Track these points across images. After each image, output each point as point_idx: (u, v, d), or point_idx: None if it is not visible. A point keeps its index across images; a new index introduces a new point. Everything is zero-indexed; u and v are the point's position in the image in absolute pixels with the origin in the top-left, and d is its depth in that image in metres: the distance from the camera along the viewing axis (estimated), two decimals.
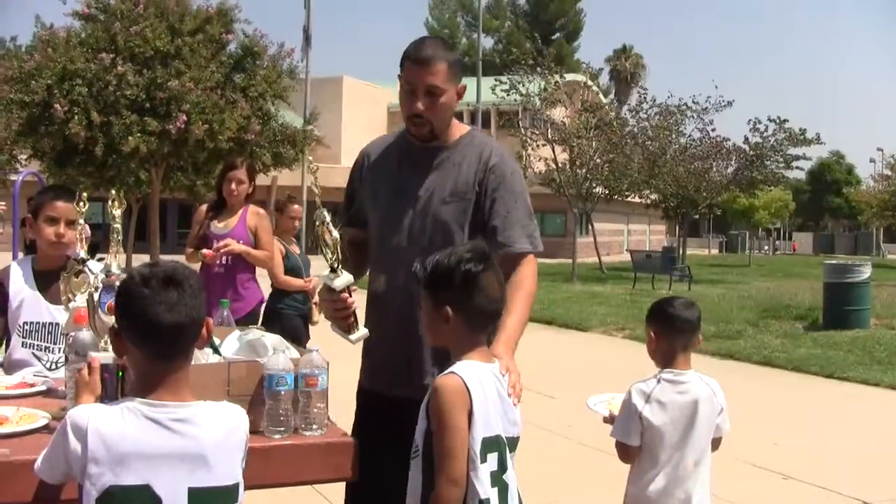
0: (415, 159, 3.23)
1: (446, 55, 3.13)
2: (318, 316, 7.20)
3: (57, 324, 3.66)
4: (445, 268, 2.64)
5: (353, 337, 3.03)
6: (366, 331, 3.03)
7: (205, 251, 6.34)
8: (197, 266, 6.20)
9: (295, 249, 7.34)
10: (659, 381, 3.46)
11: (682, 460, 3.37)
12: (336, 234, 2.91)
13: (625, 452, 3.42)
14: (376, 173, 3.32)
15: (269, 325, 7.21)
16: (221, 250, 6.29)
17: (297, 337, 7.22)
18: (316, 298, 7.17)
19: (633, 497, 3.42)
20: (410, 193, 3.18)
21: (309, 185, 3.44)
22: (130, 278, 2.26)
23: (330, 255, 2.94)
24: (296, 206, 7.43)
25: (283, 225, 7.39)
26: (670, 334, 3.52)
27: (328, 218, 2.92)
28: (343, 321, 3.01)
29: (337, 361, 3.17)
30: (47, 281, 3.72)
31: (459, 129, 3.28)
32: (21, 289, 3.76)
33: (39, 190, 4.35)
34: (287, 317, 7.25)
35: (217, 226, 6.41)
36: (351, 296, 2.99)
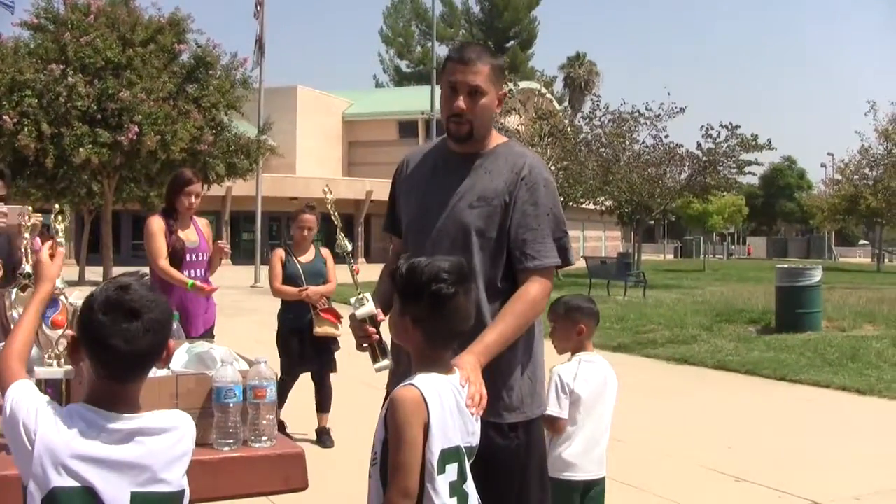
0: (449, 165, 3.22)
1: (490, 59, 3.13)
2: (319, 327, 7.12)
3: None
4: (417, 281, 2.61)
5: (375, 366, 3.06)
6: (388, 362, 3.05)
7: (203, 285, 6.25)
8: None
9: (302, 259, 7.27)
10: (580, 363, 4.19)
11: (598, 425, 4.18)
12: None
13: (554, 424, 4.00)
14: (412, 179, 3.33)
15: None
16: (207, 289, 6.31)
17: (287, 354, 7.20)
18: (322, 307, 7.13)
19: (559, 459, 4.02)
20: (440, 198, 3.17)
21: (329, 209, 3.48)
22: (92, 302, 2.23)
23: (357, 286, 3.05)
24: (305, 216, 7.35)
25: (294, 234, 7.41)
26: (592, 325, 4.31)
27: (349, 248, 3.20)
28: (364, 350, 3.06)
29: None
30: None
31: (497, 138, 3.27)
32: None
33: None
34: (281, 335, 7.29)
35: (186, 238, 6.35)
36: (377, 327, 3.01)
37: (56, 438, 2.15)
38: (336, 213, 3.39)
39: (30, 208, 3.39)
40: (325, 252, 7.41)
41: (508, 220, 3.09)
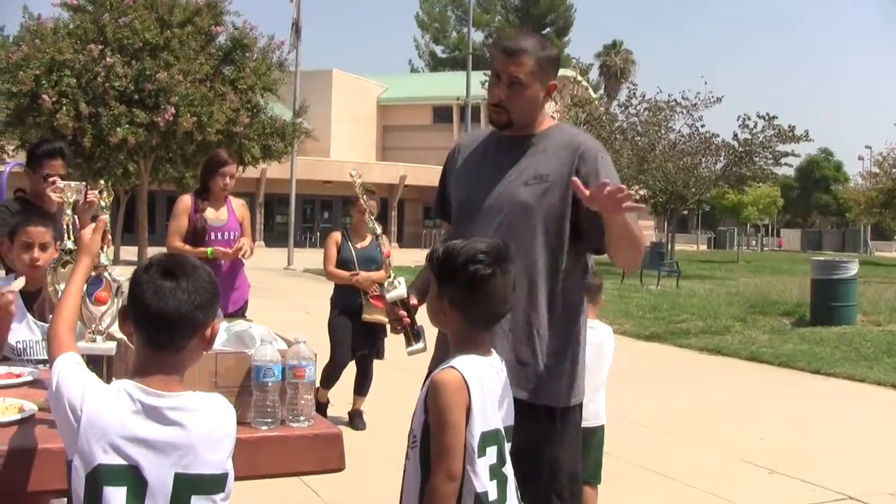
0: (502, 147, 3.22)
1: (536, 51, 3.10)
2: (367, 314, 7.10)
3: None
4: (453, 263, 2.60)
5: (407, 349, 3.10)
6: (422, 345, 3.08)
7: (220, 249, 6.25)
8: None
9: (358, 244, 7.25)
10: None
11: (595, 381, 4.39)
12: (387, 247, 3.09)
13: None
14: (464, 162, 3.34)
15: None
16: (241, 251, 6.28)
17: (337, 338, 7.22)
18: (373, 293, 7.11)
19: None
20: (493, 177, 3.17)
21: (357, 192, 3.56)
22: (143, 263, 2.31)
23: (388, 268, 3.15)
24: (361, 201, 7.37)
25: (353, 218, 7.43)
26: (593, 296, 4.45)
27: (379, 230, 3.40)
28: (398, 332, 3.10)
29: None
30: (30, 300, 3.75)
31: (549, 121, 3.27)
32: None
33: (12, 214, 4.37)
34: (331, 319, 7.32)
35: (211, 217, 6.38)
36: (409, 310, 3.05)
37: (102, 417, 2.17)
38: (364, 196, 3.47)
39: (85, 184, 3.43)
40: (384, 239, 7.40)
41: (569, 197, 3.05)
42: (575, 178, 2.86)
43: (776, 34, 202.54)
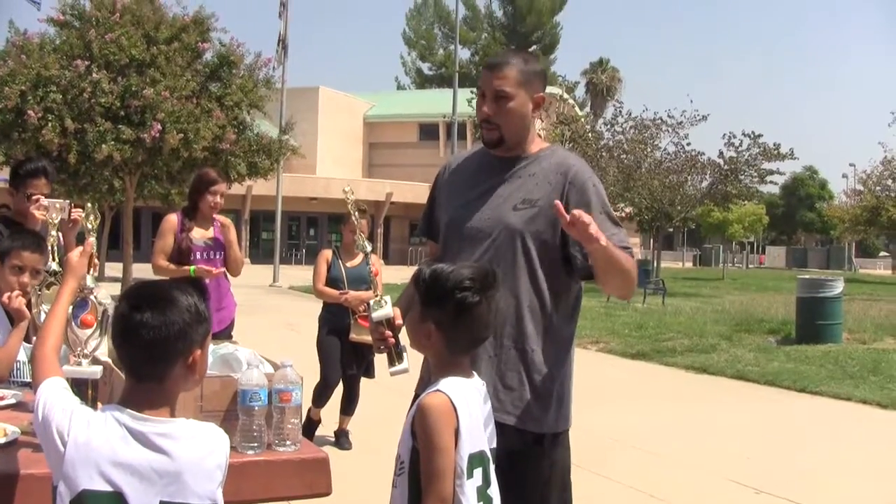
0: (492, 168, 3.20)
1: (518, 62, 3.11)
2: (355, 334, 7.06)
3: None
4: (442, 288, 2.60)
5: (391, 370, 3.06)
6: (405, 366, 3.04)
7: (208, 268, 6.25)
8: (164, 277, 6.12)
9: (348, 263, 7.22)
10: None
11: None
12: (377, 265, 3.10)
13: None
14: (453, 183, 3.32)
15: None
16: (214, 271, 6.28)
17: (326, 357, 7.18)
18: (361, 312, 7.08)
19: None
20: (482, 200, 3.15)
21: (350, 209, 3.55)
22: (119, 295, 2.31)
23: (376, 286, 3.18)
24: (353, 219, 7.33)
25: (344, 237, 7.44)
26: None
27: (369, 248, 3.39)
28: (382, 352, 3.06)
29: None
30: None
31: (540, 143, 3.26)
32: None
33: (9, 233, 4.35)
34: (319, 338, 7.29)
35: (196, 237, 6.37)
36: (395, 330, 3.02)
37: (89, 442, 2.15)
38: (356, 214, 3.47)
39: (69, 202, 3.41)
40: (375, 258, 7.38)
41: (558, 222, 2.96)
42: (557, 202, 2.83)
43: (762, 53, 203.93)
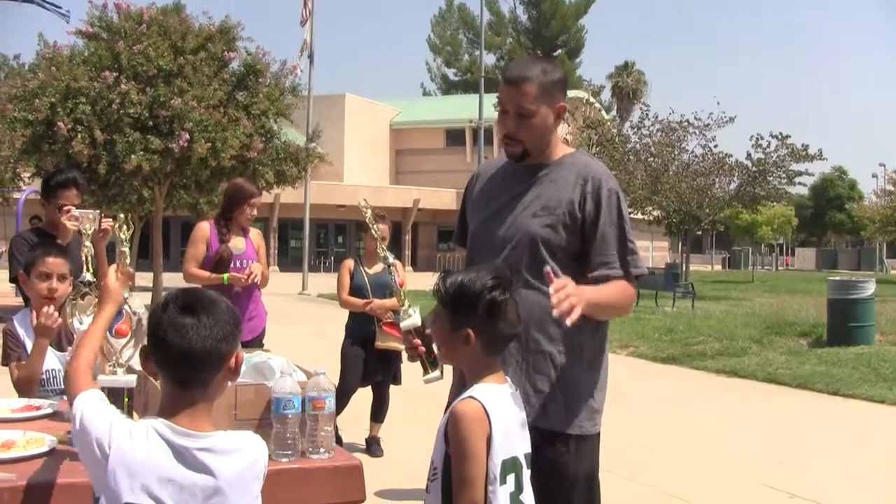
0: (517, 176, 3.23)
1: (538, 75, 3.09)
2: (381, 341, 7.08)
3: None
4: (470, 293, 2.63)
5: (424, 378, 3.09)
6: (438, 374, 3.07)
7: (235, 275, 6.22)
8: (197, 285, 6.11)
9: (370, 270, 7.23)
10: None
11: None
12: (402, 275, 3.16)
13: None
14: (481, 191, 3.35)
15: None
16: (251, 277, 6.24)
17: (349, 365, 7.20)
18: (386, 320, 7.07)
19: None
20: (505, 207, 3.19)
21: (368, 223, 3.60)
22: (160, 302, 2.30)
23: (401, 297, 3.25)
24: (372, 230, 7.36)
25: (366, 245, 7.44)
26: None
27: (391, 259, 3.48)
28: (414, 361, 3.11)
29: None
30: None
31: (563, 149, 3.27)
32: (27, 342, 3.84)
33: (30, 245, 4.40)
34: (344, 346, 7.29)
35: (231, 247, 6.38)
36: (425, 339, 3.04)
37: (132, 455, 2.16)
38: (376, 227, 3.53)
39: (100, 212, 3.44)
40: (398, 265, 7.38)
41: (577, 230, 3.07)
42: (547, 270, 2.81)
43: (789, 53, 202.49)
